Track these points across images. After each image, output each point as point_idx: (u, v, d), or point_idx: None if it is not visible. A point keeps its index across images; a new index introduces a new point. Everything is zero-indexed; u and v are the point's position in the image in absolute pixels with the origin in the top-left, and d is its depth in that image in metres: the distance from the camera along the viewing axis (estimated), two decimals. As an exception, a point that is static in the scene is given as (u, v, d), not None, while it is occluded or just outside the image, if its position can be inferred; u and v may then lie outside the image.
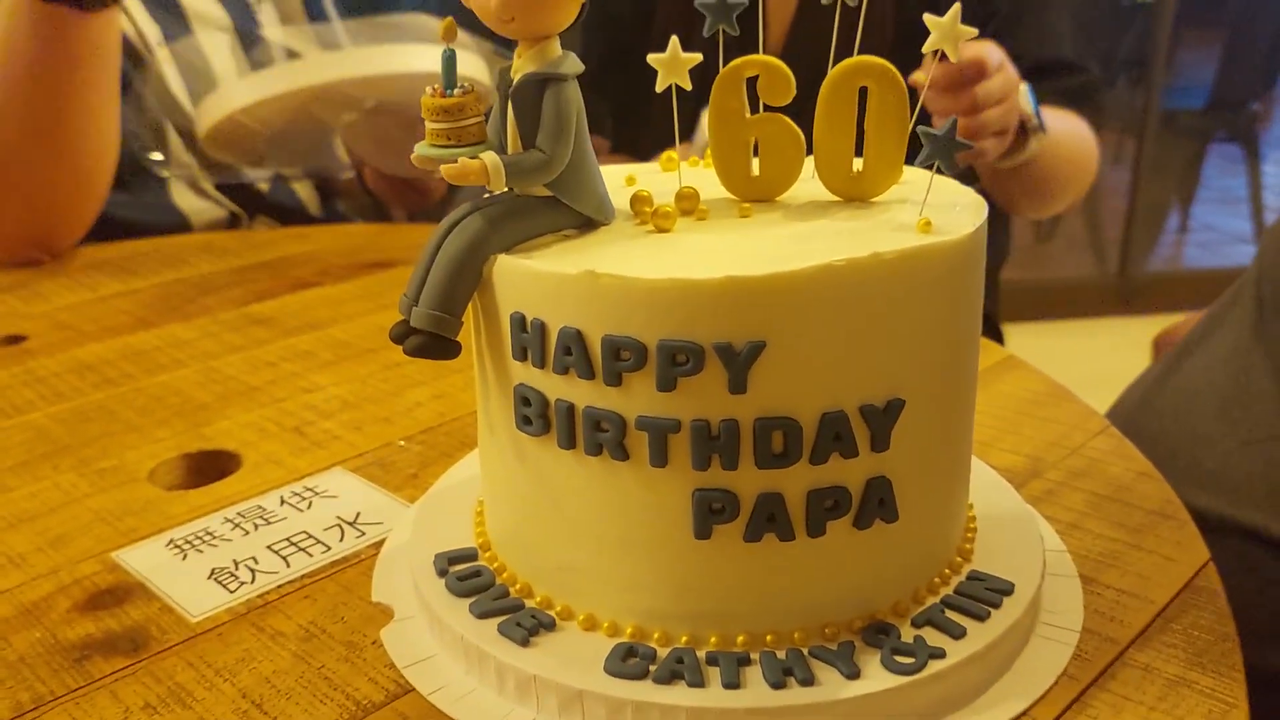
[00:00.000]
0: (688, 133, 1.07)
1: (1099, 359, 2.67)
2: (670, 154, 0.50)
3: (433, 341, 0.40)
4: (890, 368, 0.38)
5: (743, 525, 0.38)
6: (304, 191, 1.14)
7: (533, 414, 0.39)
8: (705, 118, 1.13)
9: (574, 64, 0.39)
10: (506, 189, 0.40)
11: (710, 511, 0.38)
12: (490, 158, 0.38)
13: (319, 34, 1.05)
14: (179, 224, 1.04)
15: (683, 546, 0.38)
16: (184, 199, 1.05)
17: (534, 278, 0.38)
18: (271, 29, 1.15)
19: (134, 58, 1.02)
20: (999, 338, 1.24)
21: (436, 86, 0.39)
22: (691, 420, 0.37)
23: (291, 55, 1.04)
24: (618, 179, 0.47)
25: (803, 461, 0.37)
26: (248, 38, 1.12)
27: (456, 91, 0.38)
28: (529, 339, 0.39)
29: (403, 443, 0.59)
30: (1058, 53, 1.06)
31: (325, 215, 1.16)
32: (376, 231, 1.00)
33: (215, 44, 1.10)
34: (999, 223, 1.24)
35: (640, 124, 1.11)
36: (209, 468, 0.58)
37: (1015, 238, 1.31)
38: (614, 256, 0.38)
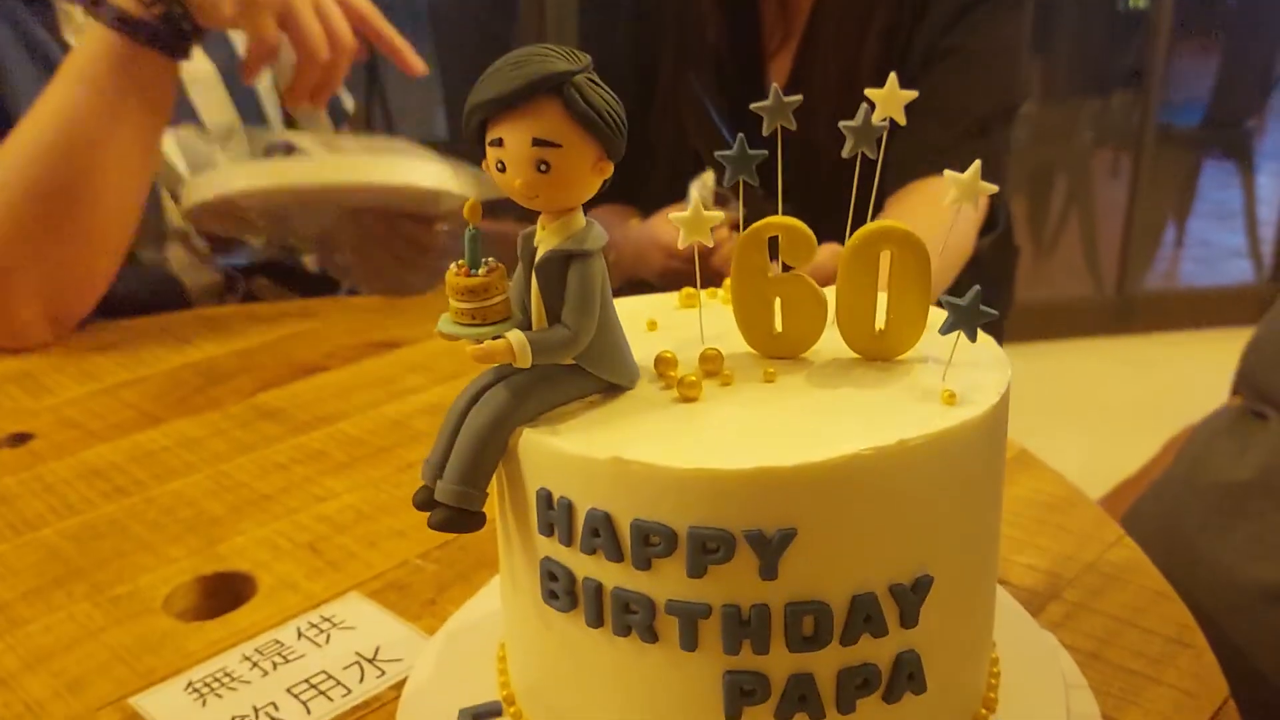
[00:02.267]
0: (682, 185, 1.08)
1: (1097, 381, 2.68)
2: (689, 290, 0.50)
3: (457, 515, 0.40)
4: (918, 546, 0.38)
5: (774, 706, 0.38)
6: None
7: (559, 589, 0.39)
8: (694, 189, 1.13)
9: (598, 237, 0.39)
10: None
11: (741, 693, 0.38)
12: (516, 337, 0.38)
13: (322, 136, 1.06)
14: (175, 292, 1.04)
15: (713, 726, 0.38)
16: (179, 264, 1.05)
17: (561, 458, 0.38)
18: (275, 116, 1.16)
19: None
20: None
21: (461, 264, 0.38)
22: (722, 605, 0.37)
23: (290, 149, 1.04)
24: (638, 323, 0.47)
25: (834, 643, 0.37)
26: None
27: (482, 270, 0.38)
28: (555, 516, 0.38)
29: (418, 561, 0.59)
30: (959, 100, 1.06)
31: (322, 270, 1.15)
32: (381, 307, 1.00)
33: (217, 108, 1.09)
34: (1005, 241, 1.24)
35: (639, 177, 1.11)
36: (224, 591, 0.58)
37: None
38: (641, 435, 0.38)
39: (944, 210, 0.42)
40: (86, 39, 0.88)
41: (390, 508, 0.65)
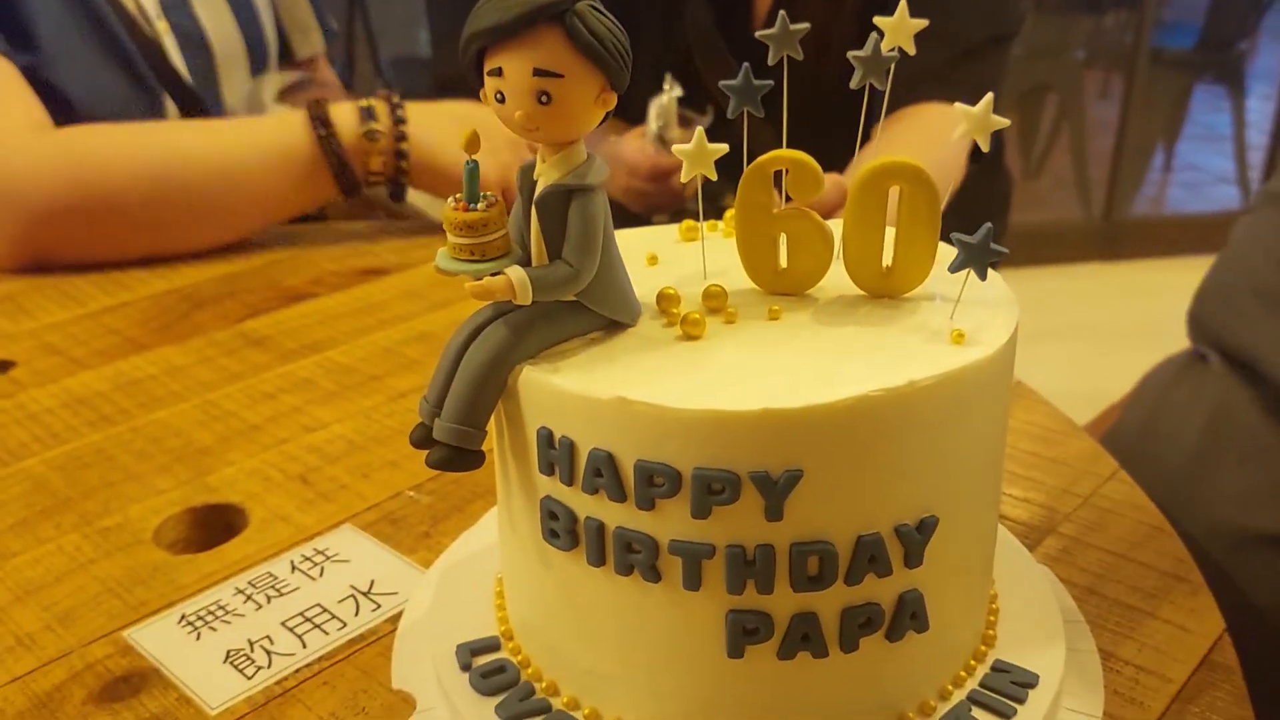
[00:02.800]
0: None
1: (1085, 306, 2.68)
2: (690, 223, 0.49)
3: (456, 455, 0.39)
4: (925, 487, 0.37)
5: (776, 645, 0.38)
6: None
7: (560, 529, 0.39)
8: (653, 111, 1.11)
9: (600, 171, 0.38)
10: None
11: (744, 632, 0.38)
12: (516, 274, 0.37)
13: None
14: None
15: (715, 664, 0.38)
16: None
17: (562, 397, 0.37)
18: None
19: (133, 29, 1.00)
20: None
21: (459, 199, 0.37)
22: (726, 546, 0.36)
23: None
24: (639, 257, 0.46)
25: (838, 583, 0.37)
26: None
27: (480, 205, 0.37)
28: (557, 455, 0.38)
29: (412, 493, 0.59)
30: (990, 31, 1.04)
31: None
32: (370, 233, 0.98)
33: (217, 18, 1.08)
34: (996, 166, 1.22)
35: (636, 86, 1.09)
36: (215, 522, 0.57)
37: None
38: (645, 375, 0.37)
39: (937, 136, 0.41)
40: (284, 127, 0.88)
41: (382, 438, 0.64)
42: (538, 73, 0.35)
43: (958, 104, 0.40)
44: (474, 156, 0.37)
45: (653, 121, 1.07)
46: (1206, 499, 0.70)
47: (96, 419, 0.66)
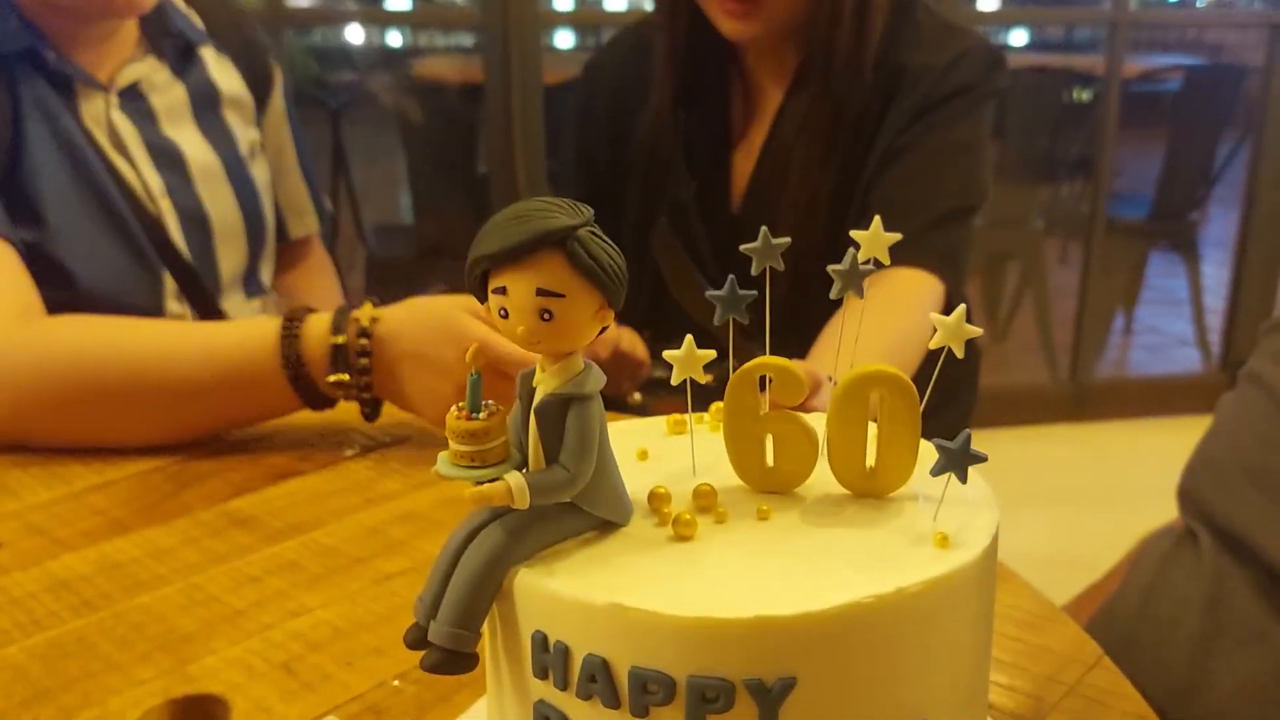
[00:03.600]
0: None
1: (1055, 468, 2.72)
2: (679, 416, 0.50)
3: (451, 658, 0.39)
4: (916, 691, 0.38)
5: None
6: None
7: (555, 733, 0.39)
8: None
9: (597, 380, 0.40)
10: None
11: (739, 843, 0.37)
12: (515, 480, 0.38)
13: None
14: None
15: None
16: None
17: (557, 602, 0.38)
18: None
19: (136, 208, 1.03)
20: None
21: (462, 407, 0.39)
22: (721, 754, 0.36)
23: None
24: (629, 452, 0.47)
25: (833, 791, 0.37)
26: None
27: (483, 414, 0.38)
28: (551, 660, 0.38)
29: (397, 683, 0.58)
30: (917, 192, 1.09)
31: None
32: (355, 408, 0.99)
33: (218, 199, 1.11)
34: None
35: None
36: (196, 714, 0.57)
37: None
38: (639, 579, 0.38)
39: (909, 300, 0.43)
40: (251, 340, 0.85)
41: (367, 623, 0.64)
42: (540, 293, 0.37)
43: (933, 314, 0.42)
44: (476, 368, 0.39)
45: None
46: (1209, 688, 0.70)
47: (79, 604, 0.66)
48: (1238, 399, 0.78)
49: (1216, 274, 3.59)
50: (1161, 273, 3.68)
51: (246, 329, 0.86)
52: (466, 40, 3.22)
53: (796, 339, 0.87)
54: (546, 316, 0.38)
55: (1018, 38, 4.76)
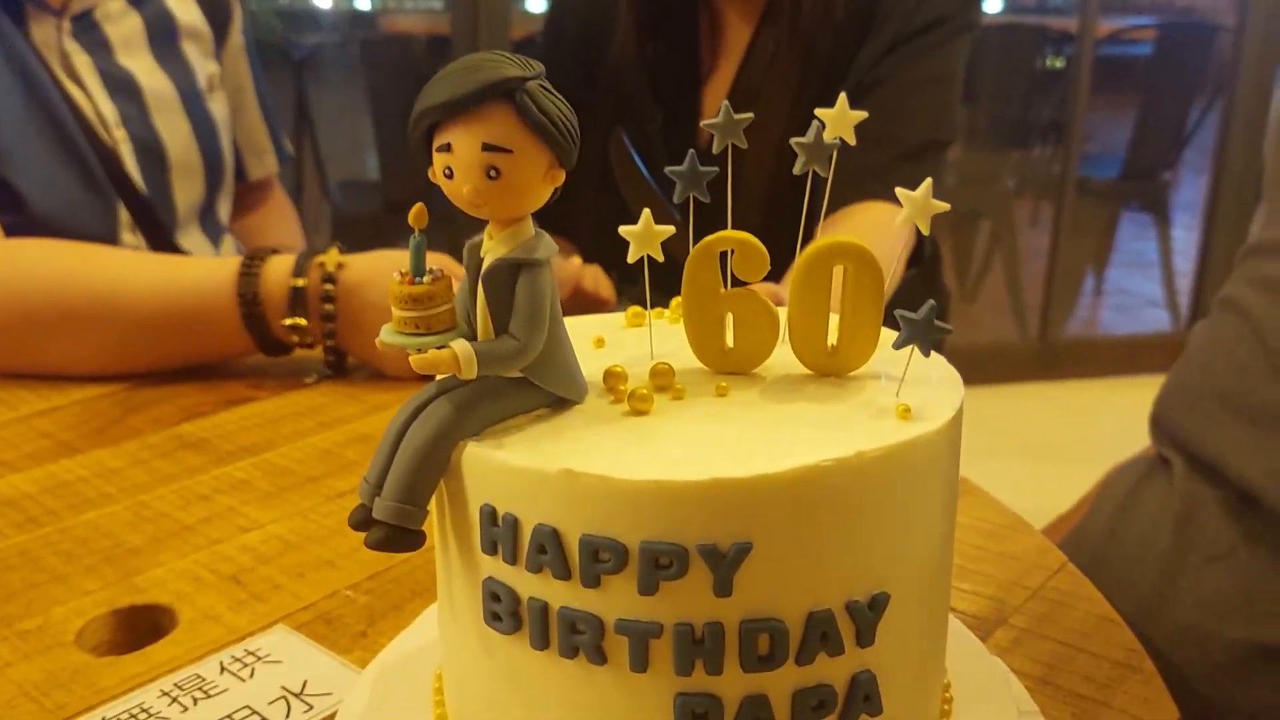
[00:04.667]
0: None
1: (1023, 425, 2.73)
2: (636, 309, 0.49)
3: (396, 534, 0.38)
4: (876, 563, 0.37)
5: (727, 729, 0.36)
6: None
7: (503, 611, 0.37)
8: None
9: (548, 246, 0.38)
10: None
11: (693, 715, 0.36)
12: (462, 347, 0.36)
13: None
14: None
15: (664, 751, 0.37)
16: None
17: (507, 472, 0.36)
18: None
19: (91, 136, 1.00)
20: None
21: (405, 272, 0.37)
22: (674, 624, 0.35)
23: None
24: (585, 340, 0.46)
25: (789, 663, 0.36)
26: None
27: (426, 279, 0.37)
28: (500, 534, 0.37)
29: (349, 592, 0.57)
30: (889, 124, 1.07)
31: None
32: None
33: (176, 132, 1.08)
34: (933, 280, 1.25)
35: (571, 203, 1.11)
36: (141, 624, 0.55)
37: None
38: (591, 448, 0.36)
39: (879, 231, 0.42)
40: (207, 273, 0.82)
41: (319, 537, 0.62)
42: (487, 148, 0.35)
43: (899, 191, 0.41)
44: (421, 231, 0.37)
45: None
46: (1175, 602, 0.70)
47: (23, 520, 0.64)
48: (1211, 325, 0.78)
49: (1186, 237, 3.61)
50: (1132, 235, 3.69)
51: (211, 265, 0.84)
52: (436, 3, 3.17)
53: (771, 278, 0.85)
54: (493, 174, 0.36)
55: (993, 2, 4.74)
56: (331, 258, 0.80)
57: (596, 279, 1.10)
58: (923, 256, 1.17)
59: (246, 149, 1.24)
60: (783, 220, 0.59)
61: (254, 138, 1.25)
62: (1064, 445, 2.57)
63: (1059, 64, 3.27)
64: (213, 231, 1.16)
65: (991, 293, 3.24)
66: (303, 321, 0.79)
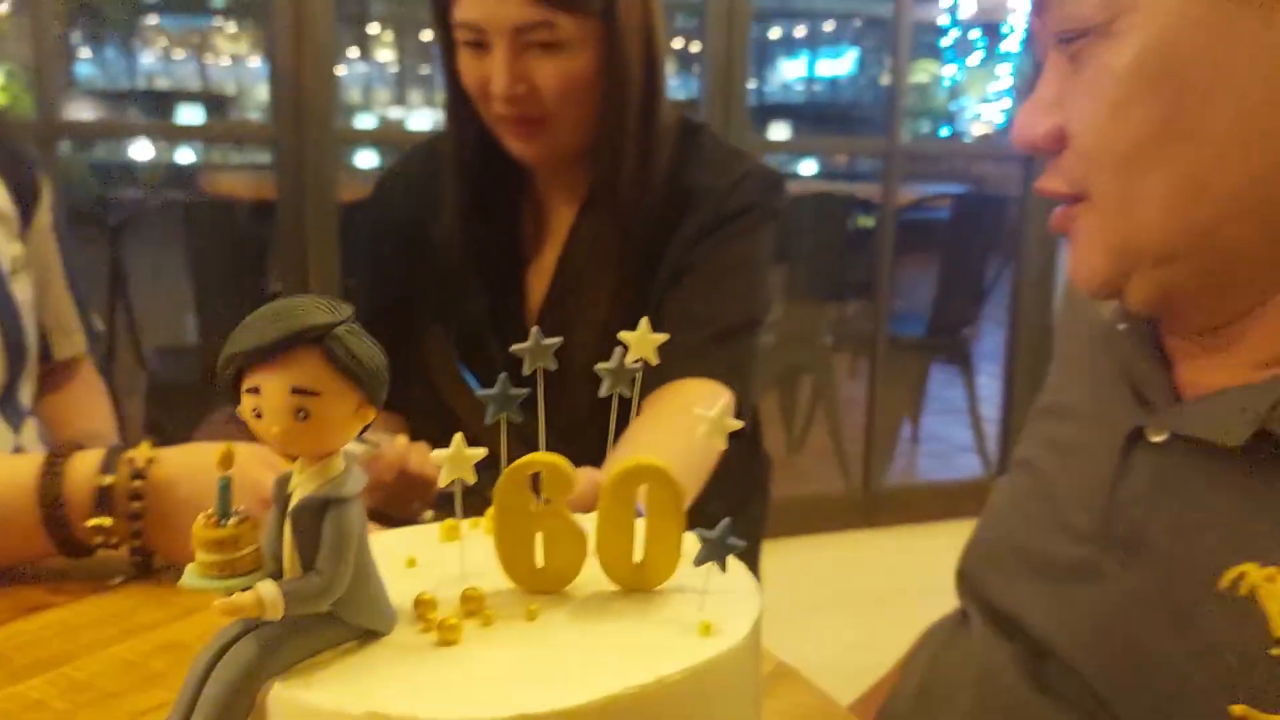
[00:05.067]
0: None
1: (851, 573, 2.80)
2: (451, 523, 0.50)
3: (199, 783, 0.37)
4: (683, 783, 0.38)
5: None
6: None
7: None
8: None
9: (356, 482, 0.39)
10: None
11: None
12: (267, 589, 0.37)
13: None
14: None
15: None
16: None
17: (314, 715, 0.36)
18: None
19: None
20: (756, 562, 1.25)
21: (210, 515, 0.37)
22: None
23: None
24: (398, 560, 0.46)
25: None
26: None
27: (232, 522, 0.37)
28: (308, 778, 0.36)
29: (151, 825, 0.54)
30: (705, 308, 1.13)
31: None
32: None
33: None
34: (753, 448, 1.30)
35: (399, 381, 1.12)
36: None
37: (768, 450, 1.35)
38: (399, 685, 0.37)
39: (689, 414, 0.45)
40: (9, 475, 0.77)
41: (120, 764, 0.59)
42: (296, 391, 0.37)
43: (696, 409, 0.43)
44: (225, 473, 0.37)
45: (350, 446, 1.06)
46: None
47: None
48: (1009, 482, 0.83)
49: (991, 385, 3.85)
50: (942, 384, 3.92)
51: (8, 464, 0.79)
52: (262, 157, 3.18)
53: (598, 456, 0.87)
54: (302, 416, 0.37)
55: (808, 167, 5.07)
56: (142, 452, 0.78)
57: (422, 460, 1.09)
58: (742, 433, 1.22)
59: (53, 328, 1.20)
60: (599, 410, 0.61)
61: (61, 317, 1.21)
62: (888, 591, 2.65)
63: (869, 223, 3.51)
64: (13, 417, 1.10)
65: (817, 444, 3.37)
66: (108, 521, 0.76)
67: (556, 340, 0.46)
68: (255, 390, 0.37)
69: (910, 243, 3.38)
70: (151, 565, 0.80)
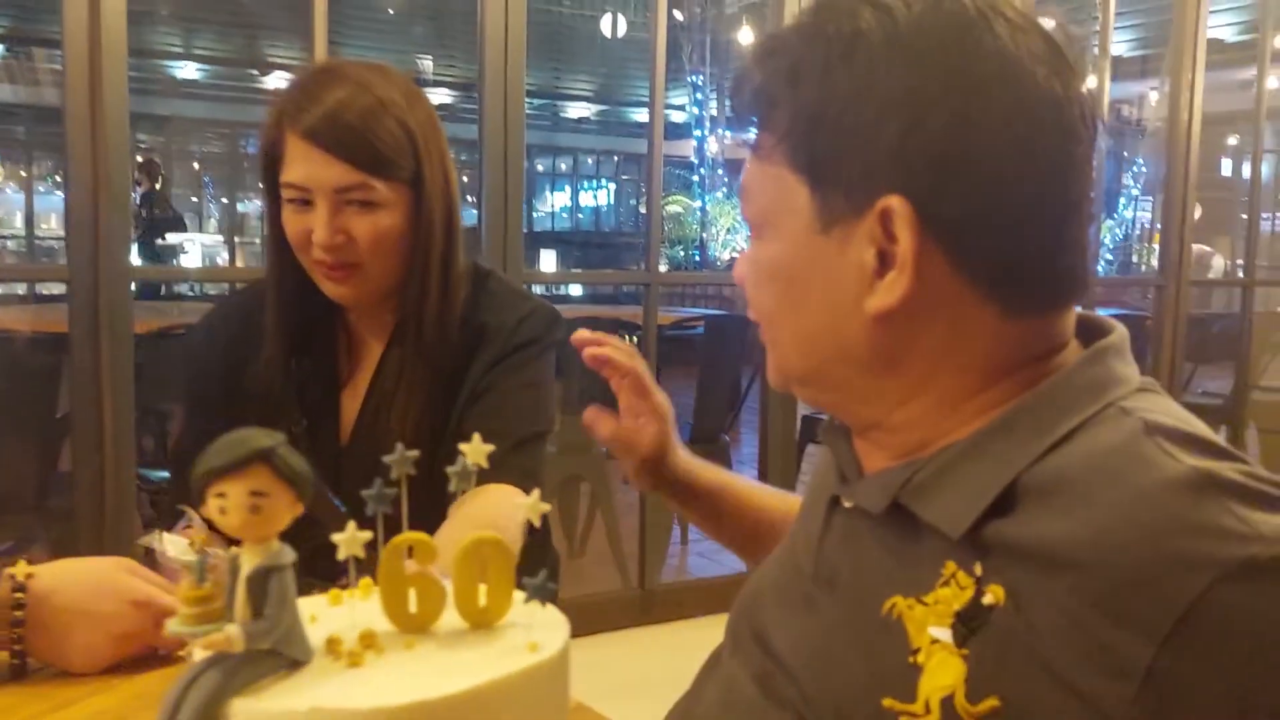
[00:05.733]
0: None
1: (631, 667, 3.00)
2: (336, 590, 0.67)
3: (188, 777, 0.52)
4: (520, 749, 0.57)
5: None
6: None
7: (266, 819, 0.53)
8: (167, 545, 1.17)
9: (289, 553, 0.56)
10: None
11: None
12: (234, 630, 0.53)
13: None
14: None
15: None
16: None
17: (269, 715, 0.53)
18: None
19: None
20: None
21: (192, 579, 0.54)
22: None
23: None
24: (305, 617, 0.63)
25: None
26: None
27: (208, 584, 0.54)
28: (264, 763, 0.53)
29: None
30: (497, 423, 1.31)
31: None
32: None
33: None
34: (545, 543, 1.49)
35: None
36: None
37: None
38: (328, 691, 0.54)
39: (499, 509, 0.62)
40: None
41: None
42: (252, 494, 0.54)
43: (515, 494, 0.63)
44: (201, 551, 0.54)
45: (179, 557, 1.17)
46: None
47: None
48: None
49: (750, 486, 4.20)
50: (707, 489, 4.23)
51: None
52: (19, 288, 3.14)
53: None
54: (255, 511, 0.54)
55: (575, 288, 5.39)
56: (20, 569, 0.89)
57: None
58: (535, 527, 1.41)
59: None
60: (418, 503, 0.77)
61: None
62: (666, 683, 2.85)
63: (633, 340, 3.82)
64: None
65: (596, 547, 3.58)
66: None
67: (415, 453, 0.65)
68: (222, 494, 0.54)
69: (672, 357, 3.69)
70: (27, 668, 0.91)
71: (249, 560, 0.56)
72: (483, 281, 1.40)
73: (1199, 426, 0.70)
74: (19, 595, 0.88)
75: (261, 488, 0.54)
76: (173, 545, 1.15)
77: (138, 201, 7.77)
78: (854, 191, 0.71)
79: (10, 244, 12.11)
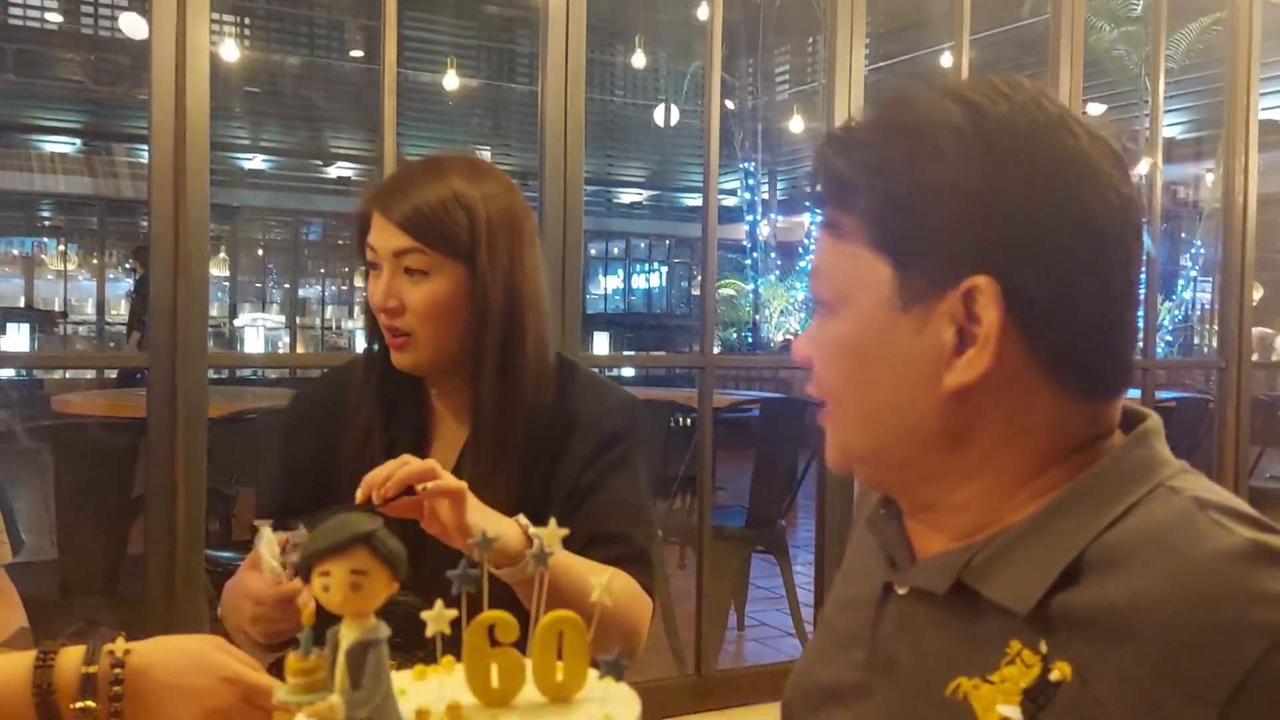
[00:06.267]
0: None
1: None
2: (421, 667, 0.71)
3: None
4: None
5: None
6: None
7: None
8: (262, 547, 1.25)
9: (384, 628, 0.61)
10: (343, 717, 0.59)
11: None
12: (335, 700, 0.58)
13: None
14: None
15: None
16: None
17: (368, 779, 0.57)
18: None
19: None
20: None
21: (298, 652, 0.58)
22: None
23: None
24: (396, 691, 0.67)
25: None
26: None
27: (313, 657, 0.58)
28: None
29: None
30: (613, 527, 1.37)
31: None
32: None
33: None
34: None
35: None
36: None
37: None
38: (420, 759, 0.58)
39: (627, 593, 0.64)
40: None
41: None
42: (354, 573, 0.59)
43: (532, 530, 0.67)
44: (309, 625, 0.59)
45: (269, 559, 1.22)
46: None
47: None
48: (815, 634, 1.05)
49: (807, 572, 4.18)
50: (763, 573, 4.22)
51: (3, 657, 0.94)
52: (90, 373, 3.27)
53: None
54: (355, 588, 0.59)
55: (628, 371, 5.45)
56: (119, 645, 0.95)
57: (308, 596, 1.25)
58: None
59: None
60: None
61: None
62: (725, 769, 2.83)
63: (688, 423, 3.85)
64: None
65: (651, 631, 3.58)
66: (92, 704, 0.92)
67: (476, 573, 0.69)
68: (326, 573, 0.59)
69: (728, 441, 3.72)
70: None
71: (348, 635, 0.60)
72: (570, 371, 1.46)
73: (1243, 503, 0.74)
74: (118, 671, 0.93)
75: (362, 567, 0.59)
76: (268, 546, 1.20)
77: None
78: (938, 272, 0.75)
79: (82, 329, 12.52)
